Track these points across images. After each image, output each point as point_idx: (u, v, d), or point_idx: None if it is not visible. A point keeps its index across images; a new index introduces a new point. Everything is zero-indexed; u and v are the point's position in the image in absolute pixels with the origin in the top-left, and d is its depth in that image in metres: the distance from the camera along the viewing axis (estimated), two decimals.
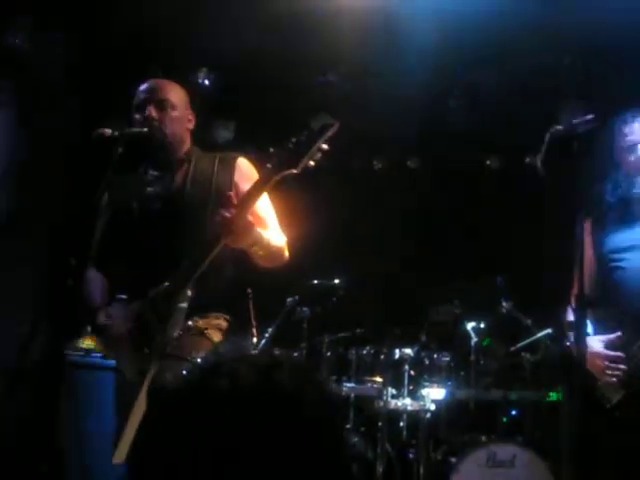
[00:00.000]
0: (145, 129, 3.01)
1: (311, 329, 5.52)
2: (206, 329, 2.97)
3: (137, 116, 3.08)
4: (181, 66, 4.91)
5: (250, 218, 2.86)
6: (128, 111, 3.12)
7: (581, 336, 2.60)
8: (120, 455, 2.74)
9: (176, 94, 3.16)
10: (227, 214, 2.76)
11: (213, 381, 1.18)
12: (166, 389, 1.20)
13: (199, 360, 2.75)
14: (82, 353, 3.46)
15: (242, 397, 1.16)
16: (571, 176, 2.66)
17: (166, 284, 2.89)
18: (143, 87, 3.14)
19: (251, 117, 5.94)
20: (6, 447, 3.76)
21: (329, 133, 2.75)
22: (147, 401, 2.74)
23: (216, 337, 2.97)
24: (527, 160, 6.50)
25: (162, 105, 3.08)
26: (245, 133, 5.97)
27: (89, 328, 3.08)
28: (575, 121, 2.76)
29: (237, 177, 3.12)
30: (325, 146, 2.74)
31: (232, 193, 2.97)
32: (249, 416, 1.14)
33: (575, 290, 2.85)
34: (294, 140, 2.75)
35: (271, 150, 2.75)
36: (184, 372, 2.68)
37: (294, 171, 2.73)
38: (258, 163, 3.06)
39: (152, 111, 3.05)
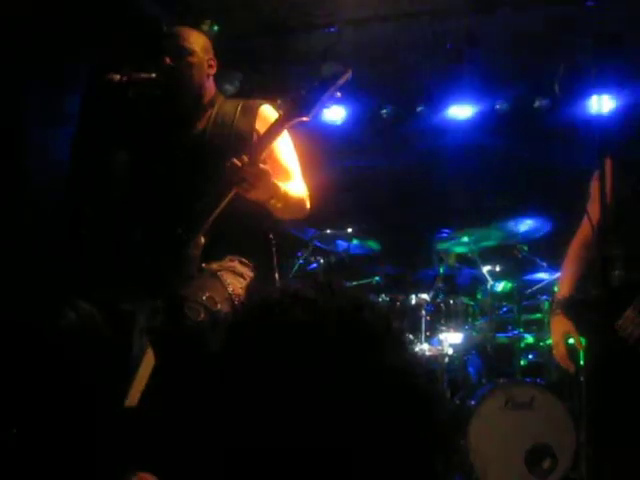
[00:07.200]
0: (153, 74, 2.97)
1: (326, 279, 5.48)
2: (219, 271, 2.92)
3: (154, 64, 3.03)
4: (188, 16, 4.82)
5: (267, 168, 2.83)
6: (142, 59, 3.08)
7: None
8: (132, 399, 2.73)
9: (194, 40, 3.12)
10: (237, 162, 2.73)
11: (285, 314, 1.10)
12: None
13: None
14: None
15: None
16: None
17: (179, 231, 2.87)
18: (160, 35, 3.11)
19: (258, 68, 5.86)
20: None
21: (341, 81, 2.75)
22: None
23: (229, 279, 2.90)
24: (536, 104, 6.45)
25: (179, 52, 3.05)
26: (253, 83, 5.88)
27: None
28: None
29: (258, 124, 3.07)
30: (338, 94, 2.74)
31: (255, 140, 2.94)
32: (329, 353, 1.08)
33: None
34: (306, 88, 2.75)
35: (278, 101, 2.73)
36: (187, 311, 2.64)
37: (305, 119, 2.74)
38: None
39: (167, 59, 3.01)
